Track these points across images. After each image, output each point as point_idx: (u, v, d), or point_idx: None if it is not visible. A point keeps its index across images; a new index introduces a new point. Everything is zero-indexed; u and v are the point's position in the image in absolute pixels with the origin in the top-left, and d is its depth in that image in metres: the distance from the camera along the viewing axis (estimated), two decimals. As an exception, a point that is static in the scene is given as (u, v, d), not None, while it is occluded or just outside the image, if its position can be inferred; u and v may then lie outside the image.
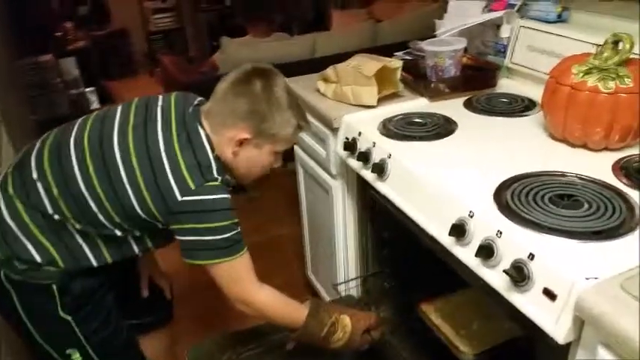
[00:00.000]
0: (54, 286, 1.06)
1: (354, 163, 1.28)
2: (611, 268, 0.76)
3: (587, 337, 0.76)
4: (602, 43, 1.07)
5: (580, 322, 0.76)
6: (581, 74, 1.05)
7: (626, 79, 1.01)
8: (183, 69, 3.00)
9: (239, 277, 1.07)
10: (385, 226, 1.38)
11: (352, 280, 1.53)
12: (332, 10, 3.74)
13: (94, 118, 1.10)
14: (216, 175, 1.02)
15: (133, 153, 1.02)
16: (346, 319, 1.18)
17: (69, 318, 1.09)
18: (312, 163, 1.60)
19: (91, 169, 1.02)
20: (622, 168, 1.01)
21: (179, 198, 0.99)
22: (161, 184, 0.99)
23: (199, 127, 1.05)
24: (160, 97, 1.13)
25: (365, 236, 1.47)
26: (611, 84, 1.02)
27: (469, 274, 0.94)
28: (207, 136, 1.04)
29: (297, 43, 2.86)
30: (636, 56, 1.06)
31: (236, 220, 1.03)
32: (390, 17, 2.95)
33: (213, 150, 1.04)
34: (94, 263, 1.08)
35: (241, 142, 1.05)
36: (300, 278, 2.01)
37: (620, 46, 1.04)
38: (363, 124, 1.30)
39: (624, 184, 0.96)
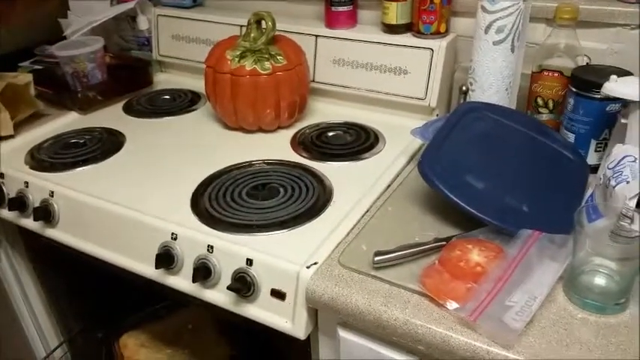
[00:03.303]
0: None
1: (8, 214, 0.99)
2: (326, 247, 0.75)
3: (325, 322, 0.75)
4: (245, 24, 1.07)
5: (314, 311, 0.74)
6: (237, 59, 1.02)
7: (278, 57, 1.03)
8: None
9: None
10: (76, 274, 1.14)
11: (56, 348, 1.25)
12: None
13: None
14: None
15: None
16: None
17: None
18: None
19: None
20: (299, 143, 1.03)
21: None
22: None
23: None
24: None
25: (54, 293, 1.20)
26: (267, 64, 1.02)
27: (192, 299, 0.83)
28: None
29: None
30: (280, 32, 1.09)
31: None
32: (3, 20, 2.48)
33: None
34: None
35: None
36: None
37: (264, 24, 1.05)
38: (4, 161, 1.02)
39: (305, 157, 0.98)
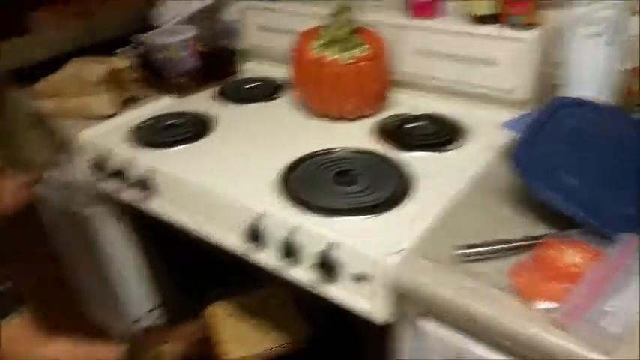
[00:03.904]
0: None
1: (111, 186, 1.08)
2: (410, 236, 0.76)
3: (406, 311, 0.76)
4: (329, 15, 1.08)
5: (395, 299, 0.75)
6: (321, 49, 1.04)
7: (361, 47, 1.04)
8: None
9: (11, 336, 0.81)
10: (173, 244, 1.21)
11: (148, 312, 1.33)
12: (26, 10, 3.13)
13: None
14: None
15: None
16: (165, 348, 1.02)
17: None
18: (55, 193, 1.32)
19: None
20: (381, 132, 1.04)
21: None
22: None
23: None
24: None
25: (152, 260, 1.30)
26: (350, 54, 1.03)
27: (276, 276, 0.87)
28: None
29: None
30: (363, 23, 1.09)
31: None
32: (102, 9, 2.62)
33: None
34: None
35: None
36: (85, 320, 1.66)
37: (347, 15, 1.06)
38: (109, 138, 1.11)
39: (387, 146, 0.99)
